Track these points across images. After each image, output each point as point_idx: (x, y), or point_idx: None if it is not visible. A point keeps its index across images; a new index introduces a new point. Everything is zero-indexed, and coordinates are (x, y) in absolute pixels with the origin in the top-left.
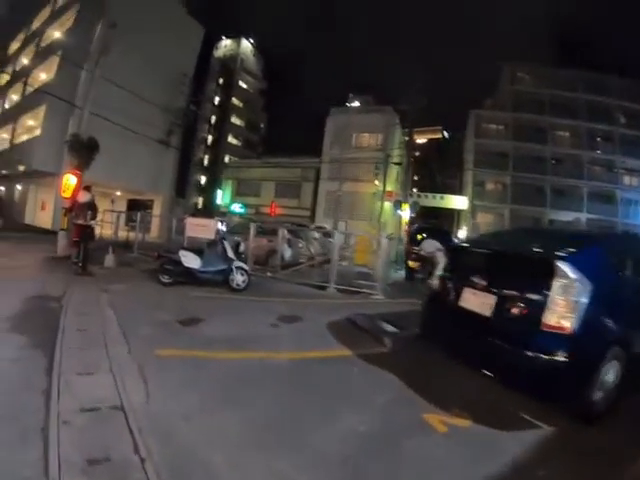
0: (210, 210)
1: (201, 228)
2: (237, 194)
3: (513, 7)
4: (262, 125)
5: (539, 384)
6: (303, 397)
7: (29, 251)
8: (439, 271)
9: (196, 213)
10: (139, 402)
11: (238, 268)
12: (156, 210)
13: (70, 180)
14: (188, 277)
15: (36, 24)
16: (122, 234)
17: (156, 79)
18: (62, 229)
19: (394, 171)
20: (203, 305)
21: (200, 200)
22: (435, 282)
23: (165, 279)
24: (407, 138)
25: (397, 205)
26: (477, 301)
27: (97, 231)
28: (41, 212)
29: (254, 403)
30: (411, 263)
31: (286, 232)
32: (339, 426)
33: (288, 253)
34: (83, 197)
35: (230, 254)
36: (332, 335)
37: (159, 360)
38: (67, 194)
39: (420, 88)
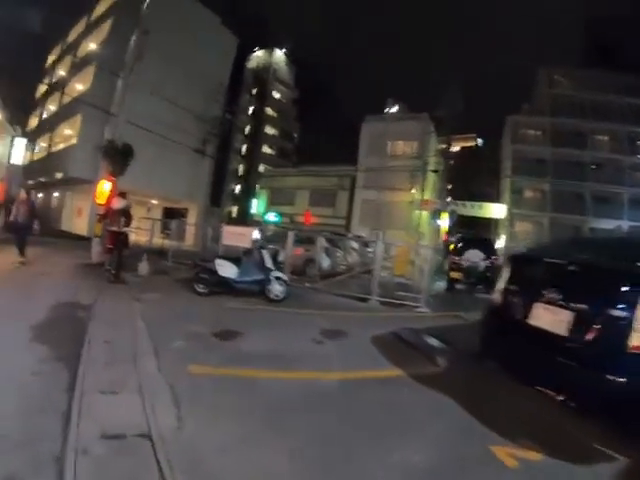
0: (244, 219)
1: (238, 236)
2: (272, 203)
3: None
4: (295, 134)
5: (620, 411)
6: (354, 425)
7: (63, 257)
8: (501, 283)
9: (230, 222)
10: (169, 429)
11: (276, 278)
12: (191, 218)
13: (104, 186)
14: (224, 287)
15: (72, 37)
16: (157, 241)
17: (191, 89)
18: (96, 236)
19: (430, 179)
20: (240, 317)
21: (234, 209)
22: (496, 295)
23: (200, 289)
24: (444, 146)
25: (435, 214)
26: (550, 318)
27: (132, 238)
28: (77, 218)
29: (299, 432)
30: (453, 274)
31: (324, 241)
32: (395, 459)
33: (326, 263)
34: (118, 204)
35: (268, 264)
36: (380, 352)
37: (192, 379)
38: (101, 200)
39: (455, 94)
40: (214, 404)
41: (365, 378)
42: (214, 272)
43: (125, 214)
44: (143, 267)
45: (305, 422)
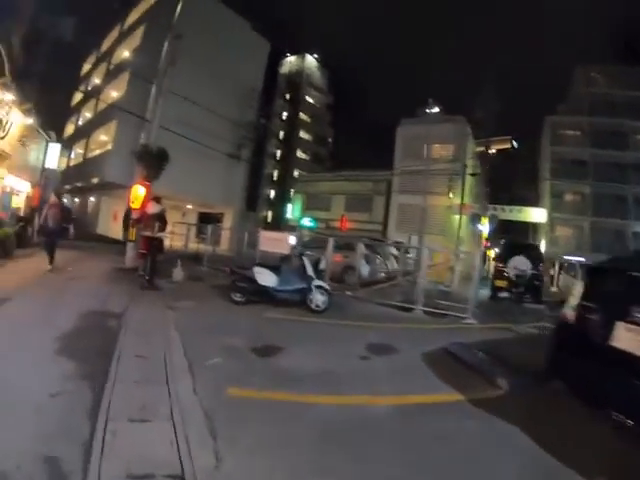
0: (279, 224)
1: (275, 242)
2: (307, 208)
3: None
4: (329, 139)
5: None
6: (414, 462)
7: (97, 261)
8: (574, 299)
9: (265, 227)
10: (205, 468)
11: (318, 287)
12: (226, 223)
13: (139, 191)
14: (263, 296)
15: (106, 45)
16: (192, 246)
17: (225, 94)
18: (130, 240)
19: (468, 183)
20: (280, 329)
21: (269, 214)
22: (568, 312)
23: (237, 297)
24: (481, 148)
25: (475, 219)
26: (635, 340)
27: (166, 243)
28: (113, 223)
29: (354, 473)
30: (498, 282)
31: (364, 247)
32: None
33: (366, 270)
34: (152, 208)
35: (310, 272)
36: (432, 371)
37: (232, 403)
38: (136, 205)
39: (491, 95)
40: (256, 435)
41: (421, 404)
42: (253, 280)
43: (160, 219)
44: (177, 273)
45: (359, 458)
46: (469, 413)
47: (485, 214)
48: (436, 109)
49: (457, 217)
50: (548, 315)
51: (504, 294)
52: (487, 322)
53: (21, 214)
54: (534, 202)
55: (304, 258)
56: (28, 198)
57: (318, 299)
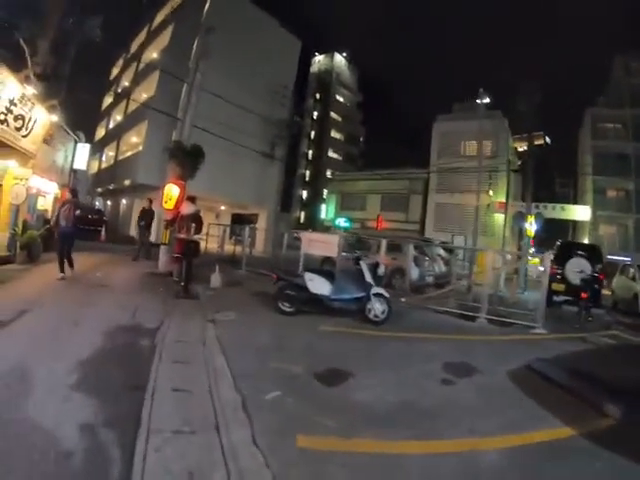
0: (312, 224)
1: (321, 245)
2: (341, 208)
3: None
4: (361, 138)
5: None
6: None
7: (129, 265)
8: None
9: (299, 227)
10: None
11: (377, 295)
12: (260, 224)
13: (172, 190)
14: (315, 306)
15: (134, 47)
16: (227, 248)
17: (257, 92)
18: (163, 243)
19: (505, 181)
20: (341, 346)
21: (302, 215)
22: None
23: (286, 307)
24: (519, 145)
25: (519, 217)
26: None
27: (201, 245)
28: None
29: None
30: (555, 285)
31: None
32: None
33: (416, 273)
34: (187, 209)
35: (368, 278)
36: (527, 396)
37: (306, 460)
38: (169, 205)
39: (529, 89)
40: None
41: (534, 444)
42: (304, 288)
43: (195, 220)
44: (215, 279)
45: None
46: (591, 453)
47: (530, 212)
48: (486, 100)
49: (497, 216)
50: (614, 322)
51: (560, 298)
52: (556, 331)
53: (48, 216)
54: (573, 200)
55: (362, 263)
56: (56, 200)
57: (377, 308)
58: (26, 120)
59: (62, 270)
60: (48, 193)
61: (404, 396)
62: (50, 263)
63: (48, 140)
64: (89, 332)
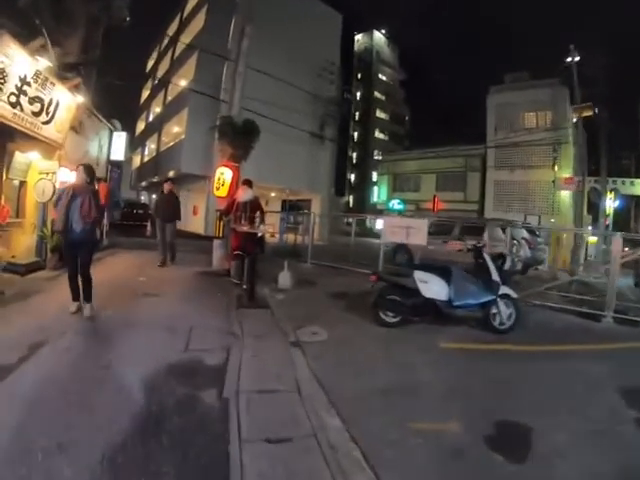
0: (363, 208)
1: (405, 231)
2: (394, 190)
3: None
4: (406, 117)
5: None
6: None
7: (178, 262)
8: None
9: (348, 211)
10: None
11: (503, 296)
12: (314, 210)
13: (225, 175)
14: (426, 313)
15: (167, 37)
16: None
17: (301, 70)
18: (217, 237)
19: (567, 154)
20: (485, 375)
21: (350, 198)
22: None
23: (389, 317)
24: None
25: (595, 193)
26: None
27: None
28: (193, 217)
29: None
30: None
31: (501, 233)
32: None
33: (509, 260)
34: (244, 195)
35: (495, 276)
36: None
37: None
38: (222, 192)
39: (587, 56)
40: None
41: None
42: (414, 292)
43: (256, 208)
44: (285, 278)
45: None
46: None
47: (605, 188)
48: (577, 58)
49: (563, 194)
50: None
51: None
52: None
53: None
54: (635, 174)
55: (485, 255)
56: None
57: (504, 313)
58: (45, 103)
59: (76, 297)
60: None
61: (619, 462)
62: None
63: (77, 128)
64: (121, 384)
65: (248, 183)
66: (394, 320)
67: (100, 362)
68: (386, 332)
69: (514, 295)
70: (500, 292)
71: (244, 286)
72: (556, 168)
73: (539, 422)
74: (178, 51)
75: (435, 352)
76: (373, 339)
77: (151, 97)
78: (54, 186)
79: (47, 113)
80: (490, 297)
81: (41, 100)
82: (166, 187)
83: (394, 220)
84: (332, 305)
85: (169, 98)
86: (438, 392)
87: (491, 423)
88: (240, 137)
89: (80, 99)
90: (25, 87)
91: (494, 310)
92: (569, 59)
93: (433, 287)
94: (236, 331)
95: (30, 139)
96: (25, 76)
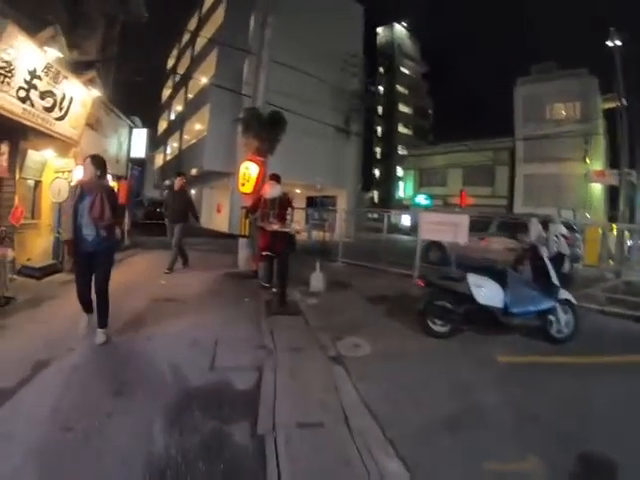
0: (388, 204)
1: (444, 228)
2: (420, 185)
3: None
4: (430, 111)
5: None
6: None
7: (201, 263)
8: None
9: (373, 206)
10: None
11: (562, 302)
12: (340, 206)
13: (250, 170)
14: (479, 321)
15: (186, 35)
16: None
17: (324, 62)
18: (242, 235)
19: (601, 146)
20: (561, 397)
21: (375, 194)
22: None
23: (438, 326)
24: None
25: (630, 188)
26: None
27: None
28: (216, 215)
29: None
30: None
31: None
32: None
33: (567, 263)
34: (271, 191)
35: (555, 279)
36: None
37: None
38: (247, 188)
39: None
40: None
41: None
42: (467, 298)
43: (285, 205)
44: (317, 280)
45: None
46: None
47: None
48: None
49: (595, 187)
50: None
51: None
52: None
53: None
54: None
55: (544, 254)
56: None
57: (562, 320)
58: (58, 98)
59: (88, 309)
60: None
61: None
62: None
63: (94, 125)
64: (134, 418)
65: (276, 178)
66: (443, 330)
67: (110, 387)
68: (436, 344)
69: (574, 300)
70: (561, 297)
71: (273, 289)
72: (588, 161)
73: (628, 454)
74: (198, 48)
75: (494, 368)
76: (424, 353)
77: (172, 96)
78: (70, 185)
79: (60, 108)
80: (551, 303)
81: (53, 95)
82: (177, 183)
83: (431, 216)
84: (371, 311)
85: (190, 96)
86: (507, 419)
87: (573, 457)
88: (266, 129)
89: (95, 93)
90: (35, 81)
91: (551, 316)
92: (610, 43)
93: (488, 292)
94: (268, 344)
95: (43, 136)
96: (35, 69)
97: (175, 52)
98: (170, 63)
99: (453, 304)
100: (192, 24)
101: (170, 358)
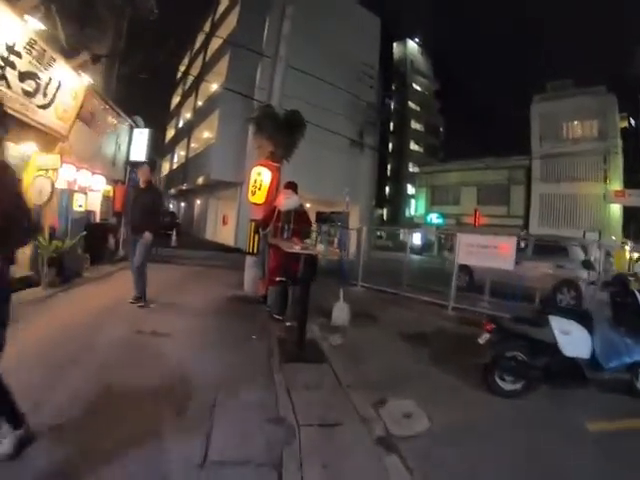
0: (398, 222)
1: (486, 251)
2: (432, 203)
3: None
4: (441, 128)
5: None
6: None
7: (203, 283)
8: None
9: (383, 224)
10: None
11: None
12: (352, 223)
13: (262, 176)
14: (561, 377)
15: (198, 42)
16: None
17: (340, 73)
18: (249, 253)
19: (619, 165)
20: None
21: (384, 211)
22: None
23: (508, 384)
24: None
25: None
26: None
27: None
28: (222, 227)
29: None
30: None
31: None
32: None
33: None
34: (287, 202)
35: None
36: None
37: None
38: (258, 198)
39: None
40: None
41: None
42: (550, 348)
43: (301, 219)
44: (341, 311)
45: None
46: None
47: None
48: None
49: (614, 208)
50: None
51: None
52: None
53: (97, 220)
54: None
55: (636, 291)
56: (106, 199)
57: None
58: (42, 82)
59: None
60: (94, 190)
61: None
62: (92, 283)
63: (87, 120)
64: None
65: (292, 187)
66: (514, 387)
67: (71, 460)
68: (510, 408)
69: None
70: None
71: (287, 323)
72: (607, 180)
73: None
74: (209, 54)
75: (587, 440)
76: (500, 425)
77: (181, 103)
78: (53, 185)
79: (44, 94)
80: None
81: (36, 77)
82: (141, 176)
83: (472, 238)
84: (411, 355)
85: (199, 103)
86: None
87: None
88: (282, 131)
89: (87, 80)
90: (13, 57)
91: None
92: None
93: (576, 341)
94: (286, 414)
95: (23, 126)
96: (14, 44)
97: (186, 60)
98: (181, 70)
99: (528, 356)
100: (206, 28)
101: (142, 442)
